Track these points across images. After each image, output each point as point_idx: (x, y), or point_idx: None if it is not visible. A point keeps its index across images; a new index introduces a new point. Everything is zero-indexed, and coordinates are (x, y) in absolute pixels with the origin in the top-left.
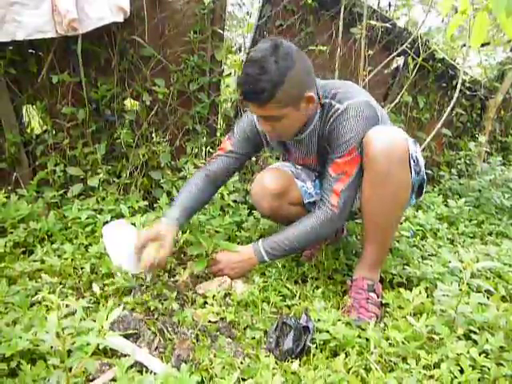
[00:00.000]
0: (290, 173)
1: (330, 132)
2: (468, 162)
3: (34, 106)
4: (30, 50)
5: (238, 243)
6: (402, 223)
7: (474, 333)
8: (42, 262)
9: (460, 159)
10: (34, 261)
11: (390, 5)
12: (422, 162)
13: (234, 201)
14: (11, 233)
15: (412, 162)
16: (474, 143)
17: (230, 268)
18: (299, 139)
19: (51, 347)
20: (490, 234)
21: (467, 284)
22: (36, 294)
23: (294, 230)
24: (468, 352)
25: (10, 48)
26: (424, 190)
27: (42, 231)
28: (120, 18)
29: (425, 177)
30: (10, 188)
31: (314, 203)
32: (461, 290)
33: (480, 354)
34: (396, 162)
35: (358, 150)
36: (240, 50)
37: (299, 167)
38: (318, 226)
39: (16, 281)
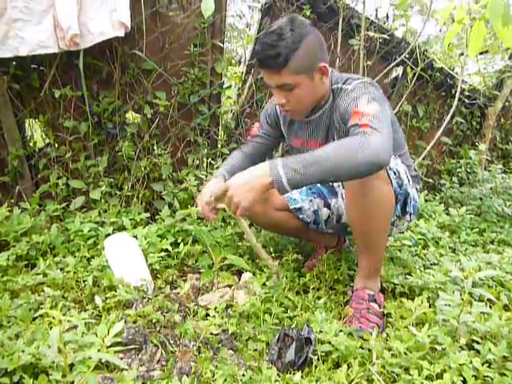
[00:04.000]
0: None
1: (342, 107)
2: (469, 170)
3: (37, 120)
4: (33, 65)
5: (240, 254)
6: (403, 233)
7: (477, 342)
8: (45, 275)
9: (461, 167)
10: (37, 274)
11: (387, 16)
12: (404, 175)
13: None
14: (14, 246)
15: (392, 173)
16: (475, 151)
17: (240, 193)
18: (309, 120)
19: (53, 361)
20: (492, 242)
21: (469, 293)
22: (39, 307)
23: (320, 148)
24: (471, 362)
25: (14, 63)
26: (411, 207)
27: (44, 244)
28: (121, 33)
29: (408, 191)
30: (12, 201)
31: (300, 209)
32: (463, 299)
33: (483, 364)
34: (372, 178)
35: (373, 101)
36: (240, 62)
37: None
38: (349, 141)
39: (18, 294)
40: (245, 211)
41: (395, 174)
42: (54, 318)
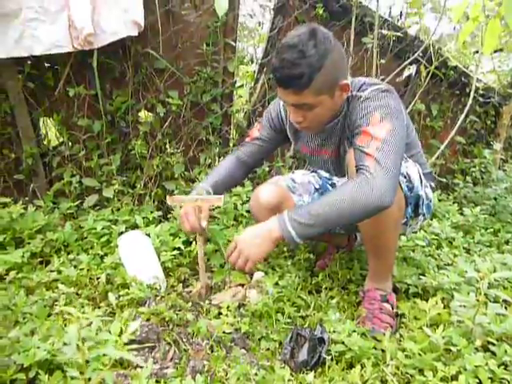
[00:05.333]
0: (285, 187)
1: (352, 116)
2: (483, 169)
3: (51, 119)
4: (47, 65)
5: None
6: (416, 232)
7: (493, 344)
8: (59, 272)
9: (475, 167)
10: (51, 271)
11: (401, 13)
12: (415, 178)
13: (248, 211)
14: (28, 243)
15: (402, 178)
16: (489, 150)
17: (248, 246)
18: (322, 129)
19: (68, 358)
20: (507, 242)
21: (484, 294)
22: (53, 304)
23: (323, 197)
24: (486, 364)
25: (29, 63)
26: (424, 208)
27: (58, 242)
28: (134, 32)
29: (419, 193)
30: (27, 199)
31: None
32: (478, 300)
33: (499, 366)
34: None
35: (386, 118)
36: (252, 61)
37: (298, 181)
38: (351, 187)
39: (33, 291)
40: (254, 265)
41: (405, 177)
42: (71, 315)
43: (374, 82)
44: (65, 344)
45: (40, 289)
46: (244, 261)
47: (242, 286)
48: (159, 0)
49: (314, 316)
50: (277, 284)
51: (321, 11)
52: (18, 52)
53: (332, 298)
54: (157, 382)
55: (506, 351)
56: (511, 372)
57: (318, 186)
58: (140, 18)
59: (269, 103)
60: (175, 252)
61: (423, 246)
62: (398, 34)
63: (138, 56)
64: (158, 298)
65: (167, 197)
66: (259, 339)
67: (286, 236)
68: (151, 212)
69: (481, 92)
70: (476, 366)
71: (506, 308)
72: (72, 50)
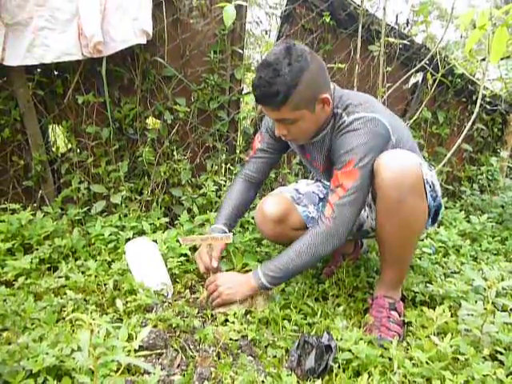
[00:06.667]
0: (289, 198)
1: (336, 143)
2: (490, 177)
3: (60, 126)
4: (57, 72)
5: (259, 260)
6: (423, 240)
7: (501, 353)
8: (67, 278)
9: (482, 174)
10: (59, 277)
11: (407, 21)
12: (438, 187)
13: (254, 217)
14: (37, 249)
15: (428, 187)
16: (496, 158)
17: (226, 287)
18: (312, 142)
19: (77, 364)
20: None
21: (492, 303)
22: (61, 310)
23: (289, 249)
24: (494, 373)
25: (38, 70)
26: (439, 216)
27: (66, 248)
28: (143, 40)
29: (441, 202)
30: (35, 205)
31: None
32: (485, 308)
33: (507, 376)
34: (408, 190)
35: (358, 165)
36: None
37: (302, 192)
38: (311, 240)
39: (42, 297)
40: (222, 303)
41: (431, 187)
42: (83, 321)
43: (358, 101)
44: (73, 350)
45: (48, 295)
46: (217, 294)
47: None
48: (167, 9)
49: (320, 323)
50: (283, 291)
51: (328, 19)
52: (29, 60)
53: (339, 305)
54: None
55: None
56: None
57: (322, 196)
58: (149, 26)
59: None
60: (182, 258)
61: (430, 254)
62: (405, 41)
63: (146, 64)
64: (165, 304)
65: (179, 237)
66: (266, 346)
67: (261, 287)
68: (158, 218)
69: (487, 99)
70: (484, 375)
71: None
72: (81, 57)
